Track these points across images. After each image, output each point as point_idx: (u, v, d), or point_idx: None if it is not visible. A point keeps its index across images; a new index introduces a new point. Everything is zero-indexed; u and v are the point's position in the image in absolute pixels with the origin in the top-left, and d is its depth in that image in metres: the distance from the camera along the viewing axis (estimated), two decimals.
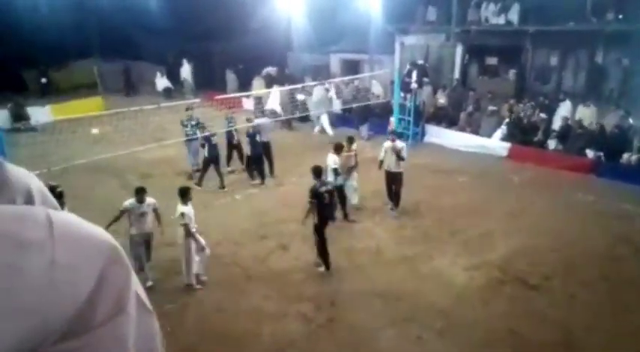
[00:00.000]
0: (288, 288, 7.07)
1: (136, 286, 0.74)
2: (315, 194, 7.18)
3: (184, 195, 6.89)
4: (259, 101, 16.77)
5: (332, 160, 8.87)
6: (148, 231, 7.05)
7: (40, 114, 15.73)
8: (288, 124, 16.42)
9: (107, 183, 11.27)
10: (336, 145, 9.07)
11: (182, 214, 6.72)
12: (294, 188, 10.88)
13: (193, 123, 11.39)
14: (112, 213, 7.07)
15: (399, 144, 9.25)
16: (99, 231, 0.70)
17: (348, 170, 9.27)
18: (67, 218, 0.68)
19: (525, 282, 7.13)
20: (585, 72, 14.94)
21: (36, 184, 0.72)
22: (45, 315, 0.58)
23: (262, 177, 11.40)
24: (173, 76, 21.75)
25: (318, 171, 7.52)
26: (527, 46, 15.34)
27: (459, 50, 16.96)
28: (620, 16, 13.79)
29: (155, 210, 7.08)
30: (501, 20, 15.71)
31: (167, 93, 20.81)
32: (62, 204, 6.14)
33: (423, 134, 14.76)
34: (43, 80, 20.92)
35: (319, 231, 7.35)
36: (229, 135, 11.92)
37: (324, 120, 15.71)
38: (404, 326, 6.21)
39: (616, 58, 14.31)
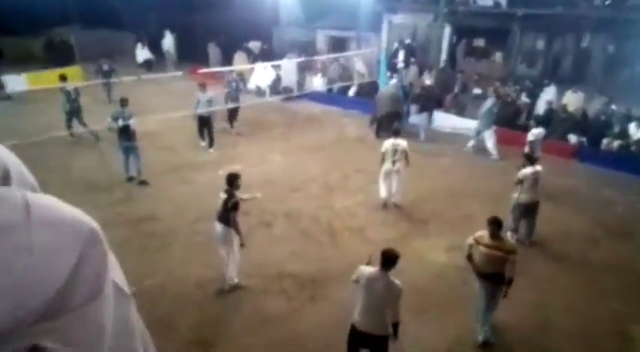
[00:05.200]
0: (269, 266, 7.01)
1: (114, 269, 0.74)
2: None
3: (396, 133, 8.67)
4: (241, 77, 16.48)
5: None
6: None
7: (15, 82, 15.19)
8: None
9: (84, 155, 10.99)
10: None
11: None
12: (277, 166, 10.78)
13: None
14: (90, 185, 6.88)
15: None
16: (78, 213, 0.69)
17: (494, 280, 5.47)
18: (44, 200, 0.67)
19: None
20: (571, 57, 15.00)
21: (14, 163, 0.70)
22: (21, 297, 0.58)
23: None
24: (154, 47, 21.09)
25: None
26: (515, 28, 15.27)
27: (447, 31, 16.81)
28: (607, 2, 13.80)
29: None
30: (490, 2, 15.60)
31: (148, 66, 20.20)
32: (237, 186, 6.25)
33: (408, 114, 14.68)
34: None
35: None
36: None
37: (488, 138, 11.98)
38: None
39: (602, 44, 14.37)
